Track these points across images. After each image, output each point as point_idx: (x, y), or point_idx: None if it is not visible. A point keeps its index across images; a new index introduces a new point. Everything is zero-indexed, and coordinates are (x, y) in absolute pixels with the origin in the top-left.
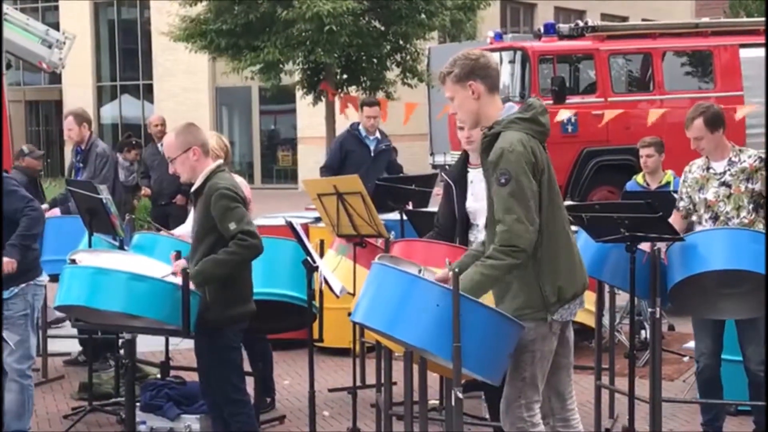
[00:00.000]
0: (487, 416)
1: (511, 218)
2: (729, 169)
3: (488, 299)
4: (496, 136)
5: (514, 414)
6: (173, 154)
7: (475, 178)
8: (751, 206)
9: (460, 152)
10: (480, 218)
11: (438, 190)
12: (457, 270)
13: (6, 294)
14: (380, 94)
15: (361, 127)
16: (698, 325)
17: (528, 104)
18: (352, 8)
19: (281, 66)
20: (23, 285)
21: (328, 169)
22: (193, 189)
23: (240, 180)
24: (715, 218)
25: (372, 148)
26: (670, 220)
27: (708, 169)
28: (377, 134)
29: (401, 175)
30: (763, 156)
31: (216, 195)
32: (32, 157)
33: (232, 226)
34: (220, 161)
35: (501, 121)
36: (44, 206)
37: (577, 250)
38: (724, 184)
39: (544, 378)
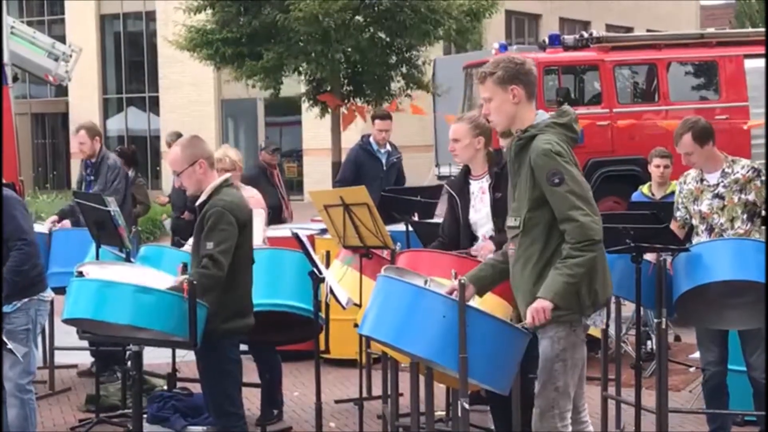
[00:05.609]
0: (494, 427)
1: (579, 213)
2: (722, 181)
3: (490, 307)
4: (530, 139)
5: (548, 424)
6: (179, 167)
7: (476, 189)
8: (745, 216)
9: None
10: (480, 230)
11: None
12: (464, 281)
13: (9, 308)
14: (386, 105)
15: (372, 140)
16: (702, 334)
17: (562, 110)
18: (356, 19)
19: (283, 73)
20: (26, 300)
21: (342, 184)
22: (198, 203)
23: (252, 192)
24: (710, 230)
25: (384, 161)
26: (702, 235)
27: (702, 180)
28: (388, 146)
29: (406, 186)
30: (756, 167)
31: (212, 210)
32: (267, 151)
33: (209, 246)
34: (228, 175)
35: (536, 125)
36: (53, 217)
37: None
38: (717, 196)
39: (575, 386)
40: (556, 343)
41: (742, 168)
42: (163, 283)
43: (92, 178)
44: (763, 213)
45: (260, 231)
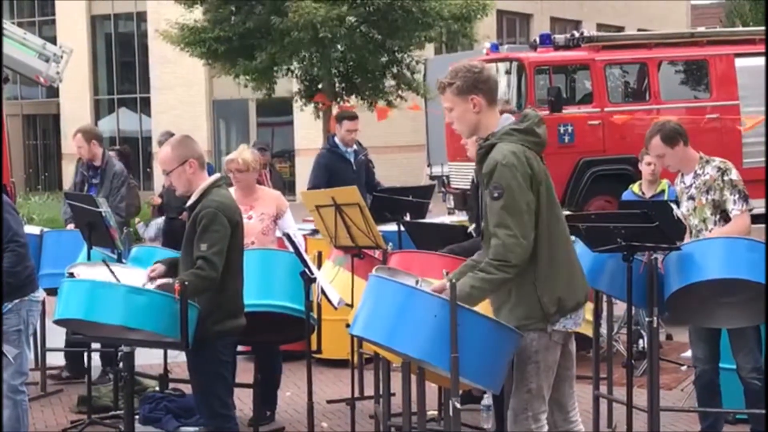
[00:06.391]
0: (486, 426)
1: (504, 233)
2: (694, 182)
3: (481, 306)
4: (490, 147)
5: (521, 426)
6: (169, 167)
7: None
8: (716, 217)
9: (456, 163)
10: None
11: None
12: (454, 280)
13: None
14: (381, 104)
15: (338, 140)
16: (694, 331)
17: (524, 115)
18: (348, 20)
19: (275, 73)
20: (17, 301)
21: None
22: (188, 204)
23: (273, 193)
24: (690, 232)
25: (353, 161)
26: (686, 236)
27: (682, 182)
28: (354, 145)
29: (398, 186)
30: (722, 166)
31: (205, 211)
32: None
33: (203, 247)
34: (218, 176)
35: (496, 132)
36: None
37: (578, 260)
38: (690, 197)
39: (550, 388)
40: (530, 345)
41: (712, 169)
42: (154, 283)
43: (96, 180)
44: (733, 212)
45: (293, 224)
